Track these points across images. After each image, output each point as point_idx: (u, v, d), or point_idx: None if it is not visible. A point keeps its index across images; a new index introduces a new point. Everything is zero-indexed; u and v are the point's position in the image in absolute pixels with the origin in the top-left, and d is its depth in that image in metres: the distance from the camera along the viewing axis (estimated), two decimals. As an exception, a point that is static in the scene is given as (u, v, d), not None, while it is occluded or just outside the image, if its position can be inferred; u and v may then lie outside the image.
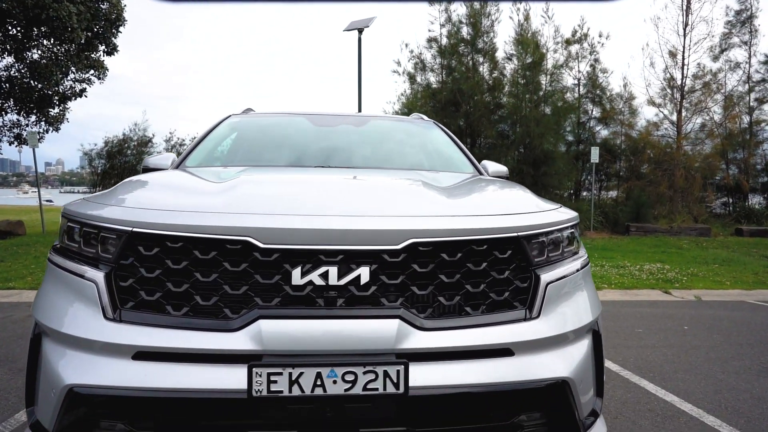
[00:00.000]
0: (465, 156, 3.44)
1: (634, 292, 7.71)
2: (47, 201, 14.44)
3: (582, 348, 1.86)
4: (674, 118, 16.69)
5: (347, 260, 1.64)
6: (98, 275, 1.68)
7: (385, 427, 1.62)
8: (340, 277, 1.62)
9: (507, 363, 1.68)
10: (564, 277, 1.87)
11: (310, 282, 1.62)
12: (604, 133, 18.05)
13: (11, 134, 13.96)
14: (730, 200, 18.20)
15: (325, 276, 1.62)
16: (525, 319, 1.74)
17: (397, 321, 1.61)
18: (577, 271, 1.94)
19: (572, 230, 2.00)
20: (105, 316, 1.63)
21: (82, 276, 1.71)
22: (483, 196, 2.26)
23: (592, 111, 18.06)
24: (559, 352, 1.78)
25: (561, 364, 1.76)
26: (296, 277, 1.62)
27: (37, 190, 14.43)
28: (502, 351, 1.69)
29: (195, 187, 2.15)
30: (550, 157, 15.37)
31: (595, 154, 14.59)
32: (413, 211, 1.83)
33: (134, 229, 1.67)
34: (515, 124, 16.29)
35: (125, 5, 12.84)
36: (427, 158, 3.38)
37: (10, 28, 11.15)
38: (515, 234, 1.78)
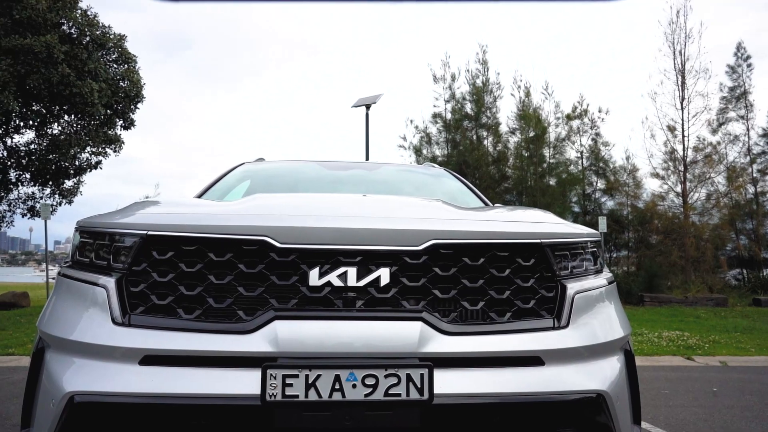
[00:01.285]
0: (478, 197, 3.42)
1: (654, 358, 7.36)
2: (53, 279, 14.53)
3: (615, 365, 1.74)
4: (679, 189, 16.85)
5: (367, 261, 1.59)
6: (109, 281, 1.62)
7: None
8: (359, 278, 1.57)
9: (538, 373, 1.57)
10: (591, 289, 1.79)
11: (328, 283, 1.56)
12: (610, 204, 18.16)
13: (25, 207, 14.23)
14: (744, 271, 17.90)
15: (343, 277, 1.56)
16: (553, 328, 1.65)
17: (419, 323, 1.53)
18: (604, 286, 1.87)
19: (595, 248, 1.95)
20: (113, 321, 1.55)
21: (91, 283, 1.65)
22: (503, 211, 2.23)
23: (597, 183, 18.29)
24: (592, 365, 1.67)
25: (595, 377, 1.64)
26: (314, 277, 1.56)
27: (46, 267, 14.50)
28: (532, 360, 1.59)
29: (209, 203, 2.14)
30: (557, 227, 15.36)
31: (602, 224, 14.59)
32: (434, 215, 1.80)
33: (149, 233, 1.62)
34: (521, 195, 16.48)
35: (144, 83, 13.59)
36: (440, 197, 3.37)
37: (33, 103, 11.72)
38: (538, 240, 1.72)
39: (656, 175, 17.19)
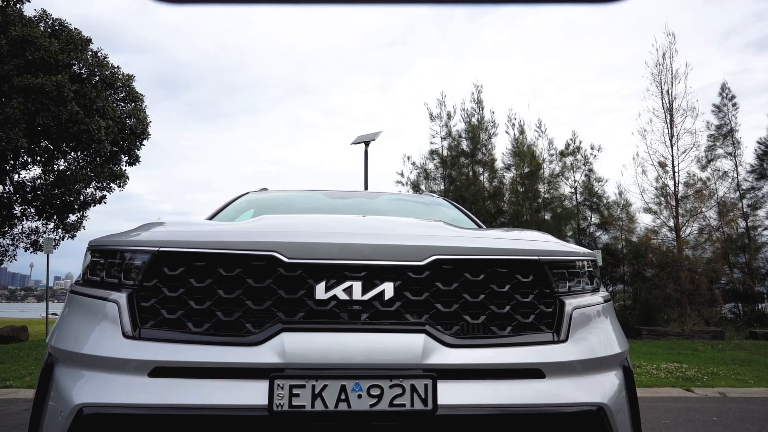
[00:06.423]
0: (475, 223, 3.59)
1: (653, 390, 7.37)
2: (53, 314, 14.55)
3: (615, 380, 1.78)
4: (671, 223, 17.07)
5: (371, 276, 1.65)
6: (121, 296, 1.64)
7: None
8: (364, 292, 1.62)
9: (539, 385, 1.62)
10: (588, 306, 1.85)
11: (334, 297, 1.62)
12: (604, 238, 18.33)
13: (28, 241, 14.30)
14: (740, 305, 17.94)
15: (349, 291, 1.62)
16: (553, 342, 1.70)
17: (423, 336, 1.58)
18: (601, 304, 1.93)
19: (591, 267, 2.01)
20: (124, 335, 1.57)
21: (103, 298, 1.68)
22: (502, 231, 2.37)
23: (591, 217, 18.52)
24: (592, 378, 1.71)
25: (596, 390, 1.68)
26: (320, 291, 1.62)
27: (46, 300, 14.50)
28: (533, 372, 1.64)
29: (218, 223, 2.23)
30: (553, 261, 15.47)
31: (598, 257, 14.71)
32: (436, 232, 1.90)
33: (161, 249, 1.66)
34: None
35: (150, 121, 13.93)
36: None
37: (42, 140, 12.00)
38: (536, 257, 1.79)
39: (649, 210, 17.43)
